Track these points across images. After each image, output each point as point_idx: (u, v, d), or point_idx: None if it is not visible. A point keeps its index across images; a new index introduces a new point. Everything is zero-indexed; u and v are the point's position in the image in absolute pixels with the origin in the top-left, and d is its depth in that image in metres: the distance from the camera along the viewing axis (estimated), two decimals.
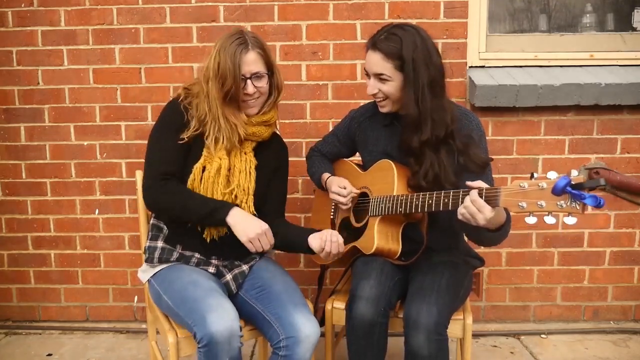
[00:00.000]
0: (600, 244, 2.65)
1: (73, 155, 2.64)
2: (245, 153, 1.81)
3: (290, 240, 1.83)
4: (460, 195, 1.55)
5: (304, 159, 2.18)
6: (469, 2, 2.50)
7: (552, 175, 1.36)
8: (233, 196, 1.77)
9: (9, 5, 2.53)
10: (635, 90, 2.46)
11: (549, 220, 1.38)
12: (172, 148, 1.75)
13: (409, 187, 1.77)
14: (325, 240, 1.71)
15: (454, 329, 1.75)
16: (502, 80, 2.47)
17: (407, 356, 1.64)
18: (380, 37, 1.72)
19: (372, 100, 1.93)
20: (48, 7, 2.52)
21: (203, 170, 1.75)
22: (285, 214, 2.60)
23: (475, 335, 2.60)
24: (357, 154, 2.05)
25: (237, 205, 1.76)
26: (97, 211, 2.68)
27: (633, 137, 2.57)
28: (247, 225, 1.71)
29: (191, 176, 1.75)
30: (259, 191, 1.82)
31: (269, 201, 1.89)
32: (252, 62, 1.72)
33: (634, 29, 2.67)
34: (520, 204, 1.40)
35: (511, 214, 1.52)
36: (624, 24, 2.70)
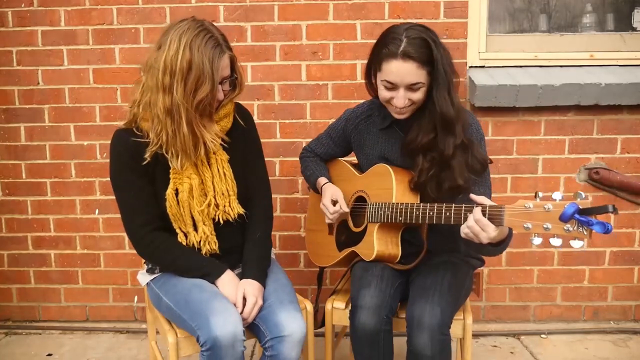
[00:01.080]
0: (600, 244, 2.65)
1: (73, 155, 2.64)
2: (214, 153, 1.71)
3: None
4: (463, 211, 1.53)
5: None
6: (469, 2, 2.50)
7: (557, 196, 1.34)
8: (212, 208, 1.71)
9: (9, 5, 2.52)
10: (635, 90, 2.45)
11: (555, 242, 1.36)
12: (139, 193, 1.67)
13: (411, 190, 1.73)
14: (238, 298, 1.65)
15: (454, 329, 1.74)
16: (502, 80, 2.47)
17: (409, 356, 1.63)
18: (405, 45, 1.58)
19: (367, 100, 1.90)
20: (48, 7, 2.52)
21: (177, 194, 1.66)
22: (285, 214, 2.63)
23: (475, 335, 2.60)
24: (352, 153, 2.02)
25: (228, 268, 1.72)
26: (97, 211, 2.68)
27: (633, 137, 2.57)
28: (233, 292, 1.67)
29: (167, 204, 1.67)
30: (240, 183, 1.76)
31: (250, 186, 1.80)
32: (225, 67, 1.60)
33: (634, 29, 2.67)
34: (525, 225, 1.39)
35: (516, 232, 1.48)
36: (624, 24, 2.70)
